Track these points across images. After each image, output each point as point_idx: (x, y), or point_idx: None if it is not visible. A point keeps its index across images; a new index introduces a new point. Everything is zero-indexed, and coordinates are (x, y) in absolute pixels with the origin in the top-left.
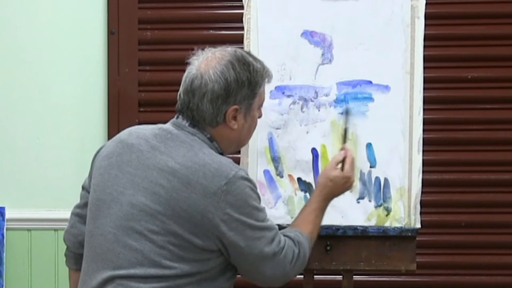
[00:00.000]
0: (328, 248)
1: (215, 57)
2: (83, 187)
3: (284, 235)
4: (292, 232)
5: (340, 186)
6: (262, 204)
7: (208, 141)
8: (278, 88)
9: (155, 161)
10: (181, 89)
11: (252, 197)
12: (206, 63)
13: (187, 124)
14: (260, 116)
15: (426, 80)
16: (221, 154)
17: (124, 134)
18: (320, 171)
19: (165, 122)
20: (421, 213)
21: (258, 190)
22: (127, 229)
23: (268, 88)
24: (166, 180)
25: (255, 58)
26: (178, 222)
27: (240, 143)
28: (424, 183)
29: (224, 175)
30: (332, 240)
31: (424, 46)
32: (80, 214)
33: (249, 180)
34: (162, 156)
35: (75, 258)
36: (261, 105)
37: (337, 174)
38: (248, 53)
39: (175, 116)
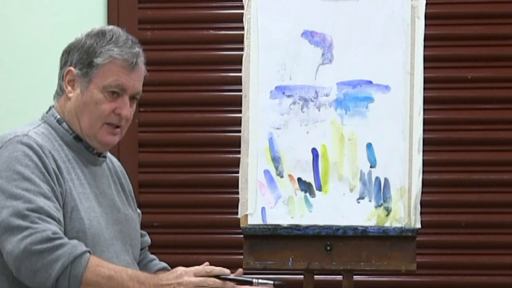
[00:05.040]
0: (328, 248)
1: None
2: None
3: (79, 249)
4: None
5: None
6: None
7: (56, 123)
8: (278, 88)
9: None
10: None
11: (20, 162)
12: None
13: (45, 112)
14: (120, 114)
15: (426, 80)
16: (77, 137)
17: None
18: (320, 171)
19: (165, 122)
20: (421, 213)
21: (258, 190)
22: None
23: (268, 88)
24: None
25: (128, 40)
26: None
27: (83, 126)
28: (424, 183)
29: (2, 140)
30: (332, 240)
31: (424, 46)
32: None
33: (28, 145)
34: None
35: None
36: (108, 89)
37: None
38: (132, 37)
39: None
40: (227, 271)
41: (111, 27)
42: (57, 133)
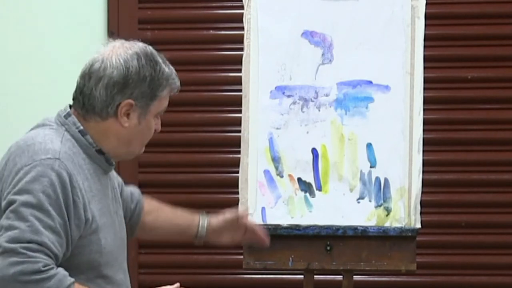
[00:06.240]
0: (328, 248)
1: (122, 46)
2: None
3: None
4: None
5: None
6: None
7: (79, 134)
8: (278, 88)
9: None
10: (79, 73)
11: (44, 190)
12: (111, 50)
13: (62, 115)
14: (157, 129)
15: (426, 80)
16: (100, 151)
17: None
18: (320, 171)
19: (165, 122)
20: (421, 213)
21: (258, 190)
22: None
23: (268, 88)
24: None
25: (165, 61)
26: None
27: (130, 149)
28: (424, 183)
29: (33, 156)
30: (332, 240)
31: (424, 46)
32: None
33: (58, 174)
34: None
35: None
36: (160, 113)
37: None
38: (160, 55)
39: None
40: None
41: (149, 48)
42: (80, 145)
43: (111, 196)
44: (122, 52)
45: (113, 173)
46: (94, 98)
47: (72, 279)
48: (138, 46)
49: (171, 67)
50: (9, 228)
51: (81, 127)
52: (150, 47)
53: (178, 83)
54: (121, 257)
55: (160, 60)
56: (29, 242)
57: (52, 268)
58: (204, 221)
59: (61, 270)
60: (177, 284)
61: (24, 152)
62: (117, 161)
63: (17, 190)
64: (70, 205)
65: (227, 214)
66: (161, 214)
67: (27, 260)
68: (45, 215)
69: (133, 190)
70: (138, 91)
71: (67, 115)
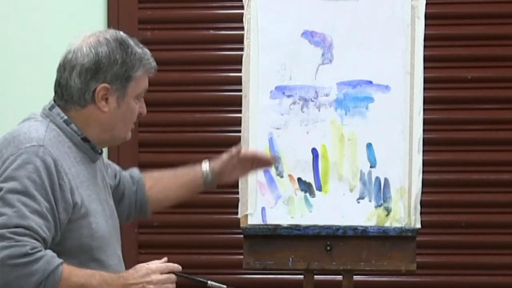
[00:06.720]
0: (328, 248)
1: (93, 35)
2: None
3: (50, 260)
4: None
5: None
6: (75, 199)
7: (64, 124)
8: (278, 88)
9: None
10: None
11: (29, 176)
12: (83, 40)
13: (47, 108)
14: (142, 113)
15: (426, 80)
16: (85, 139)
17: None
18: (320, 171)
19: (165, 122)
20: (421, 213)
21: (258, 190)
22: None
23: (268, 88)
24: None
25: (138, 45)
26: None
27: (115, 133)
28: (424, 183)
29: (18, 145)
30: (332, 240)
31: (424, 46)
32: None
33: (43, 160)
34: None
35: None
36: (140, 95)
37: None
38: (133, 39)
39: None
40: (180, 267)
41: (121, 33)
42: (65, 134)
43: (101, 185)
44: (92, 40)
45: (105, 163)
46: (70, 87)
47: (60, 260)
48: (108, 32)
49: (145, 49)
50: None
51: (65, 117)
52: (121, 33)
53: (153, 63)
54: (114, 243)
55: (132, 43)
56: (16, 226)
57: (39, 251)
58: (206, 167)
59: (48, 252)
60: (165, 259)
61: (10, 143)
62: (115, 160)
63: (3, 178)
64: (56, 190)
65: (224, 156)
66: (163, 183)
67: (15, 244)
68: (31, 200)
69: (132, 172)
70: (111, 75)
71: (51, 107)
